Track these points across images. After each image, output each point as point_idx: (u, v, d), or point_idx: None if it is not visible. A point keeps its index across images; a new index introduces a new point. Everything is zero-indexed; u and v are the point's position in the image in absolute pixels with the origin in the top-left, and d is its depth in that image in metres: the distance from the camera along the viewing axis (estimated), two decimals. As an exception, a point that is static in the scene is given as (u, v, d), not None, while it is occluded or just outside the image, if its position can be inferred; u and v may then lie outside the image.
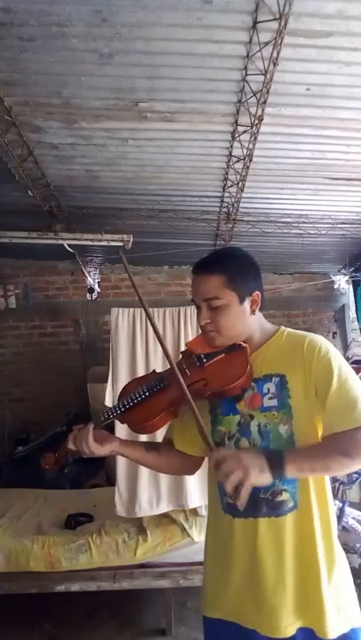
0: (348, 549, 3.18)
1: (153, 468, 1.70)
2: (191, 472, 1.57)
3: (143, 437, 2.39)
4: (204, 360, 1.37)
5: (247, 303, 1.35)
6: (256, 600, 1.29)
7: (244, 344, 1.35)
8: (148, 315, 1.40)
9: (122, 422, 1.45)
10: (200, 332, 1.41)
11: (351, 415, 1.22)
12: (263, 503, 1.27)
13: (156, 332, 1.45)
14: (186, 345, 1.49)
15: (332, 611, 1.25)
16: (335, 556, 1.31)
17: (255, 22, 1.97)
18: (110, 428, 1.75)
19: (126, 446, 1.44)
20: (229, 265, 1.35)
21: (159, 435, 1.57)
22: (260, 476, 1.16)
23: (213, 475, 1.39)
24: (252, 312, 1.36)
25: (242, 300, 1.34)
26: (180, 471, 1.66)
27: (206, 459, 1.47)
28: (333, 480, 3.44)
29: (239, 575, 1.32)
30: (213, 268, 1.34)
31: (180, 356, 1.47)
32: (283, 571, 1.27)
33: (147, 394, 1.40)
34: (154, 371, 1.56)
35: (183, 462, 1.50)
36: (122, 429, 2.46)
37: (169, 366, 1.36)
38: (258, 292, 1.37)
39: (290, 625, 1.26)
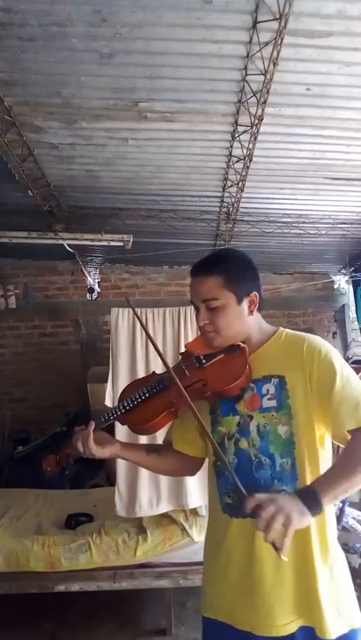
0: (348, 549, 3.17)
1: (154, 470, 1.70)
2: (192, 473, 1.57)
3: (143, 439, 2.39)
4: (203, 361, 1.37)
5: (245, 304, 1.36)
6: (252, 600, 1.28)
7: (242, 345, 1.36)
8: (147, 333, 1.40)
9: (122, 423, 1.45)
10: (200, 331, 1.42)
11: (359, 413, 1.23)
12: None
13: (154, 345, 1.44)
14: (185, 346, 1.50)
15: (332, 611, 1.25)
16: (334, 556, 1.31)
17: (255, 22, 1.97)
18: (110, 429, 1.75)
19: (127, 449, 1.44)
20: (227, 266, 1.36)
21: (159, 436, 1.57)
22: (302, 519, 1.10)
23: (213, 474, 1.39)
24: (251, 312, 1.37)
25: (240, 301, 1.35)
26: (181, 473, 1.66)
27: (206, 459, 1.47)
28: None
29: (237, 575, 1.32)
30: (211, 270, 1.35)
31: (180, 357, 1.47)
32: (281, 571, 1.26)
33: (147, 395, 1.40)
34: (154, 372, 1.56)
35: (183, 463, 1.50)
36: (122, 431, 2.45)
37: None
38: (256, 293, 1.37)
39: (289, 623, 1.25)
